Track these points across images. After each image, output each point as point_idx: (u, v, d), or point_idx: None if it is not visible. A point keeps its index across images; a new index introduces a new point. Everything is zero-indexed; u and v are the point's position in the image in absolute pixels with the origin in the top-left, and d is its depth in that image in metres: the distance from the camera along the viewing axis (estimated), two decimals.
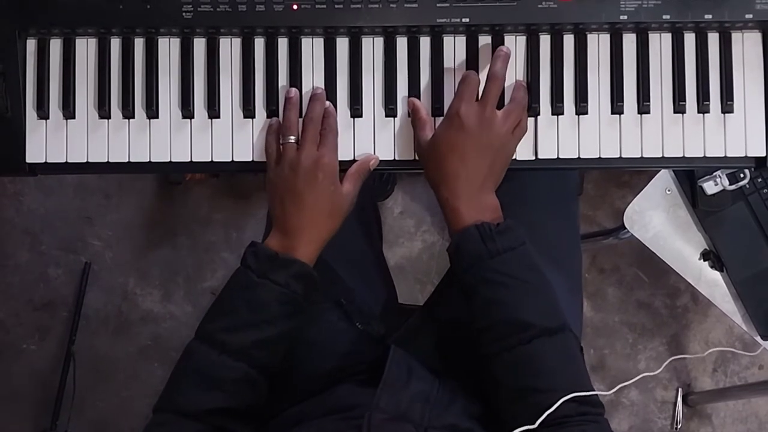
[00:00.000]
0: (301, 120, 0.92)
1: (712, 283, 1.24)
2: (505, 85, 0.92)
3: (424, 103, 0.93)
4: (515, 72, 0.94)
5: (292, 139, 0.90)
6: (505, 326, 0.83)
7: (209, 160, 0.94)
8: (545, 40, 0.94)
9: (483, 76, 0.91)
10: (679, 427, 1.84)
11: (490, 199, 0.89)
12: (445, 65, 0.93)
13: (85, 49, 0.94)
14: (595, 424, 0.80)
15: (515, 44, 0.94)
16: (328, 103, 0.92)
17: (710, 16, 0.90)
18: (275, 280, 0.86)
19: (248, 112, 0.94)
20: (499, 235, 0.85)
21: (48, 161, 0.94)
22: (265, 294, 0.85)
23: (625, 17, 0.91)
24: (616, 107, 0.93)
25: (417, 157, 0.93)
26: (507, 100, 0.91)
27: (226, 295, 0.88)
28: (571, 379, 0.82)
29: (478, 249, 0.85)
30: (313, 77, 0.94)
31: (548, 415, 0.78)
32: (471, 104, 0.88)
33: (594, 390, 0.82)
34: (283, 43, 0.94)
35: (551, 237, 1.06)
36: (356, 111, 0.93)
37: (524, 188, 1.06)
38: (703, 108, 0.93)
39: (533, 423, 0.78)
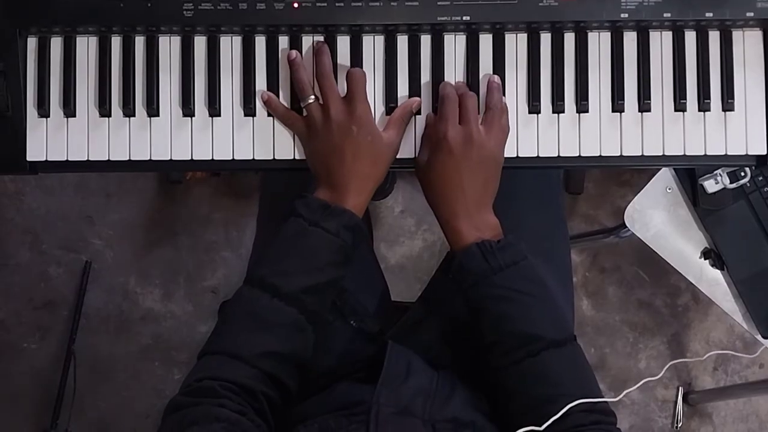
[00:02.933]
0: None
1: (712, 282, 1.24)
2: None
3: (424, 102, 0.93)
4: (516, 71, 0.94)
5: (312, 98, 0.90)
6: (513, 340, 0.84)
7: (210, 158, 0.94)
8: (546, 39, 0.93)
9: (484, 74, 0.92)
10: (679, 426, 1.84)
11: (489, 217, 0.90)
12: (446, 64, 0.93)
13: (86, 47, 0.94)
14: None
15: (516, 42, 0.94)
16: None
17: (711, 15, 0.90)
18: (327, 228, 0.86)
19: (249, 110, 0.94)
20: (501, 251, 0.86)
21: (49, 159, 0.94)
22: (316, 241, 0.86)
23: (626, 15, 0.91)
24: (617, 105, 0.93)
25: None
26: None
27: (277, 244, 0.88)
28: (580, 388, 0.82)
29: (481, 266, 0.86)
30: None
31: (559, 423, 0.79)
32: (455, 126, 0.89)
33: (606, 402, 0.82)
34: (284, 42, 0.94)
35: (538, 230, 1.07)
36: None
37: (507, 184, 1.06)
38: (703, 106, 0.93)
39: (546, 430, 0.78)
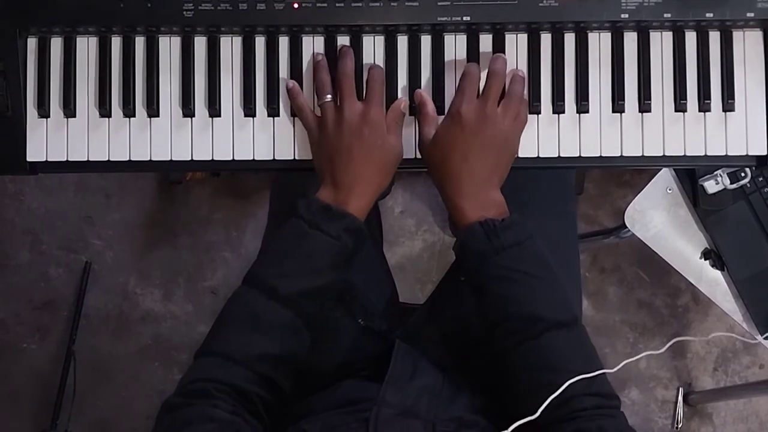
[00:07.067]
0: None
1: (712, 283, 1.24)
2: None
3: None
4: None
5: (329, 97, 0.90)
6: (515, 321, 0.83)
7: (210, 158, 0.94)
8: (546, 39, 0.93)
9: (484, 75, 0.91)
10: (679, 426, 1.84)
11: (495, 195, 0.89)
12: (446, 64, 0.93)
13: (86, 47, 0.94)
14: (611, 419, 0.79)
15: (516, 43, 0.94)
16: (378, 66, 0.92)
17: (711, 15, 0.90)
18: (327, 232, 0.85)
19: (249, 110, 0.94)
20: (504, 231, 0.85)
21: (49, 160, 0.94)
22: (316, 244, 0.85)
23: (626, 16, 0.91)
24: (617, 106, 0.93)
25: (419, 154, 0.93)
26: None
27: (276, 244, 0.88)
28: (584, 372, 0.80)
29: (483, 246, 0.85)
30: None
31: (559, 409, 0.78)
32: (471, 101, 0.88)
33: (609, 385, 0.81)
34: (283, 42, 0.94)
35: (551, 238, 1.06)
36: None
37: (522, 190, 1.06)
38: (704, 107, 0.93)
39: (548, 415, 0.77)
